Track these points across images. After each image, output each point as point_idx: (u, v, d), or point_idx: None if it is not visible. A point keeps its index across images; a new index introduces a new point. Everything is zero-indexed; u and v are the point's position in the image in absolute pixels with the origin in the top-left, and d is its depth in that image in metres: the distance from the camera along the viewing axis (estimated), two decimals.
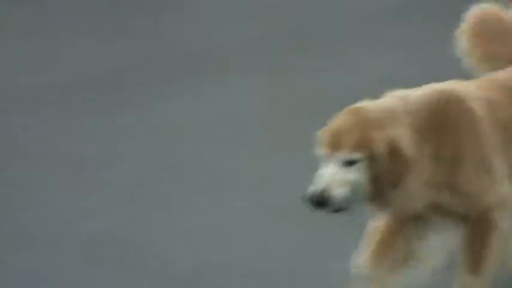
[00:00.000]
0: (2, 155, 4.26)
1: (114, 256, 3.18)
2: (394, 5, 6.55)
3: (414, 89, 2.48)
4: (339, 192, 2.21)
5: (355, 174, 2.23)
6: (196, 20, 6.54)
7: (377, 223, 2.52)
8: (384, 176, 2.24)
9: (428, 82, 2.53)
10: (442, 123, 2.35)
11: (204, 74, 5.34)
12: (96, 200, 3.70)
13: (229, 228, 3.41)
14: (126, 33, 6.26)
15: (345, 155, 2.22)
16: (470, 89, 2.44)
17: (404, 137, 2.26)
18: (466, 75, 2.78)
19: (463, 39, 2.84)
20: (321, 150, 2.29)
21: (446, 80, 2.56)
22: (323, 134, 2.30)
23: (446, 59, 3.28)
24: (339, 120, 2.30)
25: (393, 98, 2.38)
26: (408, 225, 2.46)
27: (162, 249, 3.22)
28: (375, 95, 2.46)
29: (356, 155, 2.22)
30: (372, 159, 2.23)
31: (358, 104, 2.35)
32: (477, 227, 2.38)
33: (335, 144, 2.24)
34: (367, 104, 2.35)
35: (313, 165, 2.35)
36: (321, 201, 2.21)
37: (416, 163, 2.26)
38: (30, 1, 6.97)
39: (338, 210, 2.26)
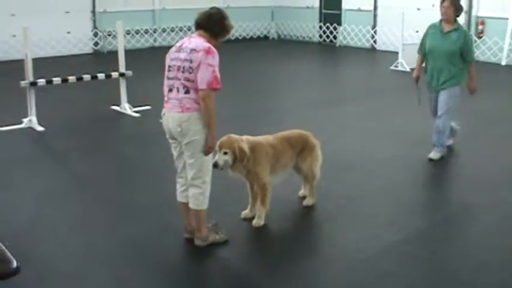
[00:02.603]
0: None
1: None
2: None
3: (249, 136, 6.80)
4: (221, 163, 6.46)
5: (227, 157, 6.47)
6: None
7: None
8: (238, 158, 6.49)
9: None
10: (255, 149, 6.59)
11: None
12: None
13: None
14: None
15: (223, 150, 6.47)
16: (268, 141, 6.80)
17: (245, 146, 6.53)
18: None
19: None
20: (216, 149, 6.53)
21: None
22: (218, 143, 6.52)
23: None
24: (224, 139, 6.52)
25: (244, 137, 6.66)
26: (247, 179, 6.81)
27: None
28: None
29: (227, 151, 6.45)
30: (233, 152, 6.47)
31: (230, 135, 6.63)
32: (261, 188, 6.57)
33: (221, 147, 6.47)
34: (233, 135, 6.61)
35: None
36: (216, 166, 6.44)
37: (248, 156, 6.60)
38: None
39: (222, 169, 6.52)
